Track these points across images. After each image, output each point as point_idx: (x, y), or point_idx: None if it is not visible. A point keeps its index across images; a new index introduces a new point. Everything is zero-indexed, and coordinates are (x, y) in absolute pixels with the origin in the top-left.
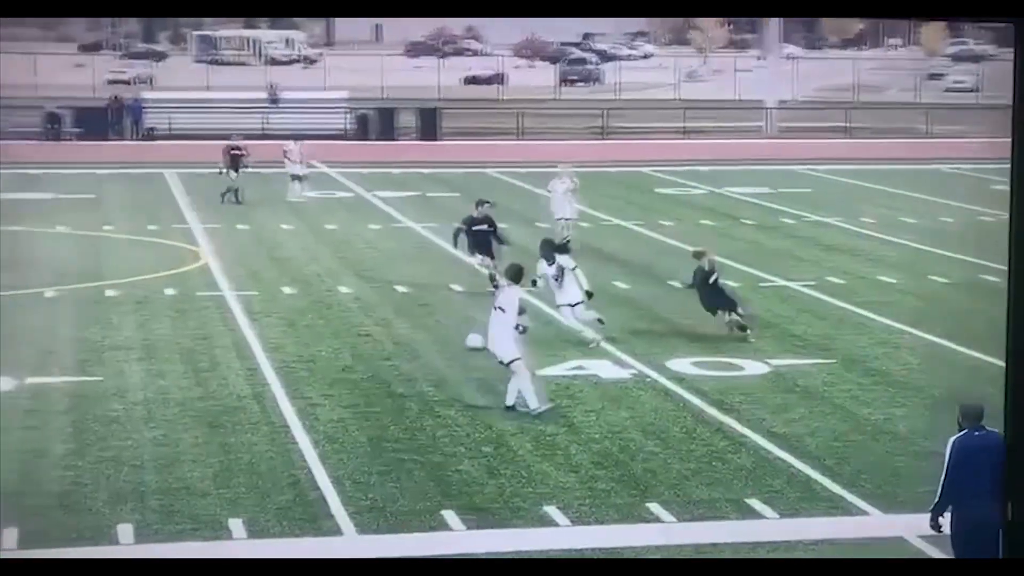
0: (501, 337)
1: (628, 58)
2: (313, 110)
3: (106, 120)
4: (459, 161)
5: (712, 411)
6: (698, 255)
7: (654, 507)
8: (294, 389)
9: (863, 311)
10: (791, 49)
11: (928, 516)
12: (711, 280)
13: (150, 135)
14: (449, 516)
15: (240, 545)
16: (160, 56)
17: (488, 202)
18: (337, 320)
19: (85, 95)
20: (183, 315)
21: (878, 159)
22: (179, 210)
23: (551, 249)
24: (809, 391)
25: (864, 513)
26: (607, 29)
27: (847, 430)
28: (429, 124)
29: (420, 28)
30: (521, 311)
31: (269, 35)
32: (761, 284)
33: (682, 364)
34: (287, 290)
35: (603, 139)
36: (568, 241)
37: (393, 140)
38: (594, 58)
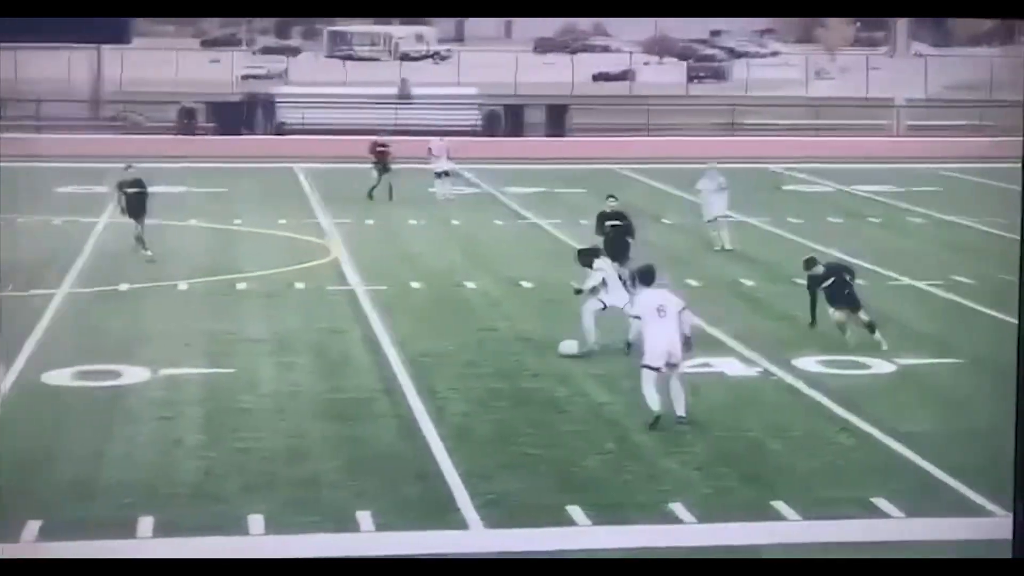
0: (673, 339)
1: (756, 55)
2: (443, 106)
3: (240, 115)
4: (587, 157)
5: (838, 409)
6: (809, 264)
7: (779, 505)
8: (422, 383)
9: (991, 311)
10: (919, 47)
11: None
12: (828, 283)
13: (281, 130)
14: (574, 511)
15: (368, 538)
16: (294, 52)
17: (613, 196)
18: (464, 315)
19: (221, 91)
20: (313, 309)
21: (1010, 157)
22: (309, 205)
23: (592, 255)
24: (936, 390)
25: (991, 514)
26: (734, 27)
27: (972, 429)
28: (558, 120)
29: (550, 25)
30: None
31: (400, 31)
32: (888, 282)
33: (808, 362)
34: (415, 285)
35: (732, 135)
36: (723, 247)
37: (522, 136)
38: (722, 55)
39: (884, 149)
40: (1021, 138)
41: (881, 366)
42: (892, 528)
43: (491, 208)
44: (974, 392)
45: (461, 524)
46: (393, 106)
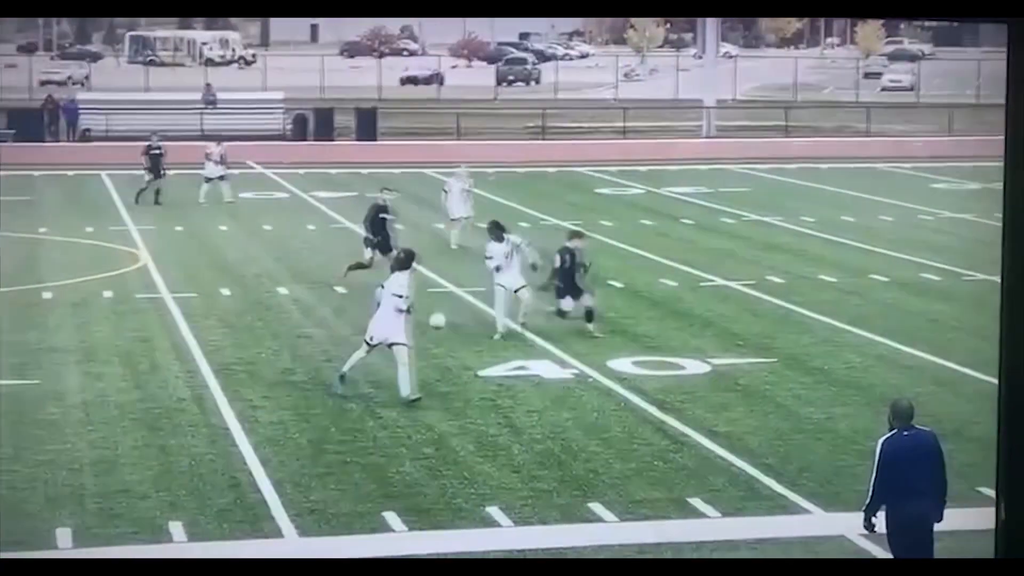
0: (391, 320)
1: (565, 58)
2: (250, 111)
3: (41, 121)
4: (397, 161)
5: (653, 410)
6: (575, 235)
7: (596, 507)
8: (234, 391)
9: (804, 310)
10: (729, 48)
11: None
12: (569, 265)
13: (86, 136)
14: (391, 518)
15: (180, 548)
16: (95, 57)
17: (389, 189)
18: (276, 322)
19: (19, 96)
20: (121, 317)
21: (817, 158)
22: (117, 212)
23: (500, 228)
24: (750, 390)
25: (806, 512)
26: (543, 29)
27: (789, 429)
28: (367, 124)
29: (356, 28)
30: (405, 295)
31: (204, 36)
32: (701, 283)
33: (623, 364)
34: (225, 291)
35: (542, 139)
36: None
37: (331, 140)
38: (532, 58)
39: (694, 151)
40: (1002, 138)
41: (696, 367)
42: (708, 528)
43: (302, 213)
44: (788, 391)
45: (276, 533)
46: (198, 111)
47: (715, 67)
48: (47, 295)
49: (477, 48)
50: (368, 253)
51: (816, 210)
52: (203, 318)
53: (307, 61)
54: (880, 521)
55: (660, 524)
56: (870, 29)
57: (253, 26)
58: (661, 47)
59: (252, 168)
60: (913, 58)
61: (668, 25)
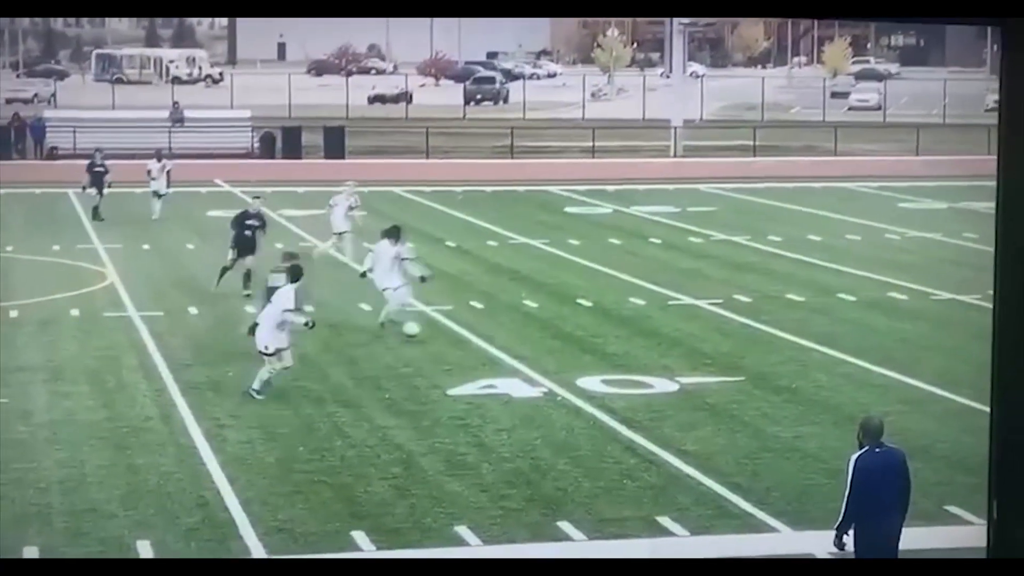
0: (274, 330)
1: (533, 77)
2: (217, 129)
3: (7, 139)
4: (365, 180)
5: (622, 429)
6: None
7: (565, 525)
8: (201, 410)
9: (771, 329)
10: (696, 67)
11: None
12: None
13: (53, 154)
14: (359, 537)
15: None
16: (61, 75)
17: (258, 196)
18: (243, 340)
19: None
20: (89, 336)
21: (785, 177)
22: (84, 230)
23: (398, 232)
24: (718, 409)
25: (774, 530)
26: (510, 48)
27: (757, 448)
28: (335, 143)
29: (323, 46)
30: (298, 308)
31: (171, 54)
32: (669, 302)
33: (592, 382)
34: (193, 310)
35: (511, 158)
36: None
37: (299, 159)
38: (500, 77)
39: (662, 170)
40: (994, 157)
41: (665, 385)
42: (676, 546)
43: (270, 231)
44: (756, 410)
45: (244, 552)
46: (166, 130)
47: (682, 87)
48: (14, 313)
49: (445, 67)
50: (231, 255)
51: (784, 229)
52: (171, 336)
53: (274, 79)
54: (850, 540)
55: (628, 543)
56: (837, 48)
57: (220, 44)
58: (629, 66)
59: (220, 186)
60: (880, 78)
61: (635, 45)
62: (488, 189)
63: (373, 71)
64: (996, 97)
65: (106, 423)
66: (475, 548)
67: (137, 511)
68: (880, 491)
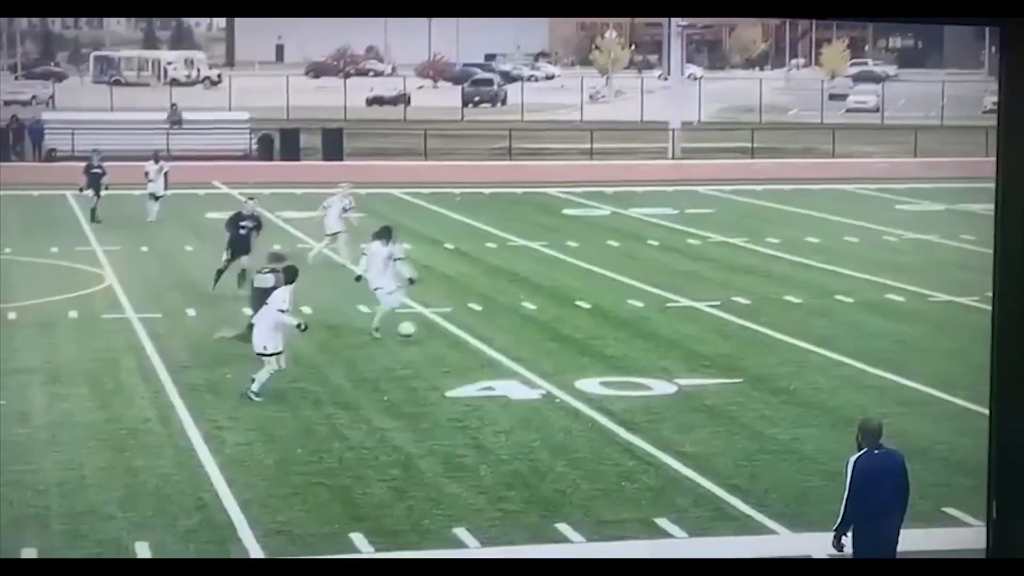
0: (270, 331)
1: (531, 79)
2: (215, 131)
3: (6, 141)
4: (364, 182)
5: (621, 431)
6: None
7: (563, 527)
8: (199, 412)
9: (770, 331)
10: (694, 69)
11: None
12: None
13: (51, 156)
14: (357, 539)
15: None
16: (59, 76)
17: (252, 198)
18: (241, 342)
19: None
20: (87, 338)
21: (783, 179)
22: (82, 232)
23: (390, 233)
24: (717, 411)
25: (773, 532)
26: (508, 50)
27: (755, 450)
28: (333, 145)
29: (321, 48)
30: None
31: (169, 56)
32: (667, 304)
33: (591, 384)
34: (191, 312)
35: (509, 160)
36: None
37: (297, 161)
38: (498, 79)
39: (660, 172)
40: (992, 159)
41: (663, 387)
42: (675, 548)
43: (268, 233)
44: (754, 412)
45: (243, 554)
46: (164, 131)
47: (680, 88)
48: (12, 315)
49: (443, 69)
50: (225, 256)
51: (782, 231)
52: (169, 338)
53: (273, 81)
54: (848, 541)
55: (627, 544)
56: (835, 50)
57: (218, 46)
58: (627, 68)
59: (218, 188)
60: (878, 79)
61: (633, 47)
62: (486, 191)
63: (371, 73)
64: (994, 99)
65: (104, 425)
66: (473, 550)
67: (136, 513)
68: (879, 493)
